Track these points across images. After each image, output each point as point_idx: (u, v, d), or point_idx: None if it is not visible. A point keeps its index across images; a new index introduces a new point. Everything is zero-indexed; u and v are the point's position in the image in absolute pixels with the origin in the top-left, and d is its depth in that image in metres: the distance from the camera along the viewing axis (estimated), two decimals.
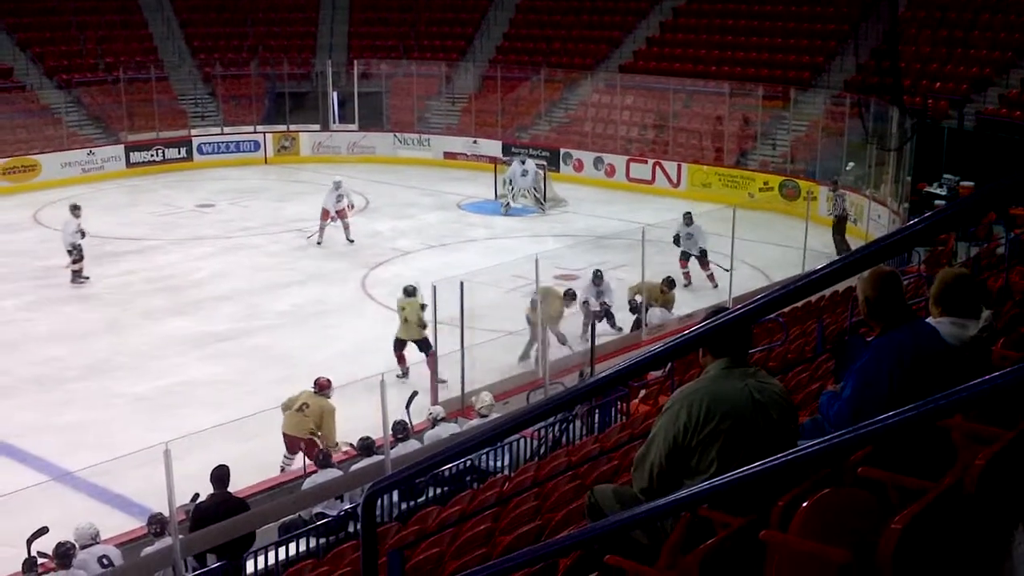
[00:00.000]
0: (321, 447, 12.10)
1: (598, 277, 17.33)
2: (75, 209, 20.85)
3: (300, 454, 12.72)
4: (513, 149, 31.26)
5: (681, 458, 3.87)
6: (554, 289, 16.72)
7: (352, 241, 23.50)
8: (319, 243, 23.43)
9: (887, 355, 4.13)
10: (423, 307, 15.50)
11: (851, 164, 26.47)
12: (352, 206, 24.21)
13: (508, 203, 26.68)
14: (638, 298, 17.33)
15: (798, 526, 2.95)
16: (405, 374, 15.57)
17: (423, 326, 15.50)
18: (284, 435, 12.87)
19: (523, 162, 27.13)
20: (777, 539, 3.03)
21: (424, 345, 15.52)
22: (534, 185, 26.77)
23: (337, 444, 12.61)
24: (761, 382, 3.98)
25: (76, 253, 20.46)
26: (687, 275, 20.14)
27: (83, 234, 20.59)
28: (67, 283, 20.40)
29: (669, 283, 17.72)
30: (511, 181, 26.80)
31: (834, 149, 27.34)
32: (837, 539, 2.88)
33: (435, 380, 14.71)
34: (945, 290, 4.79)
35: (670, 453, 3.88)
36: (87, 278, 20.58)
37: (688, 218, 20.32)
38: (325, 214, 23.54)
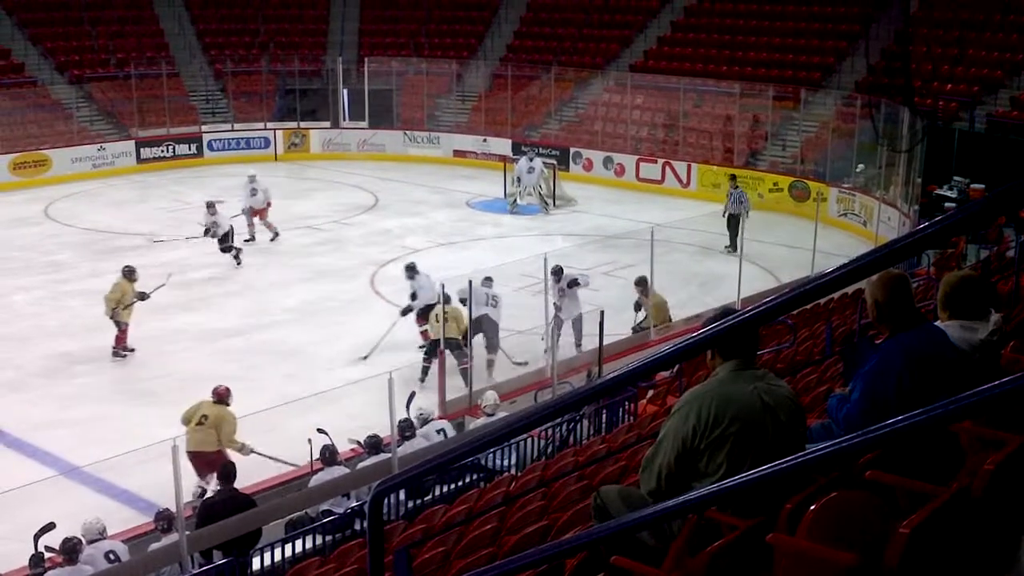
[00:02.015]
0: (227, 456, 11.71)
1: (557, 273, 16.39)
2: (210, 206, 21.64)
3: (213, 476, 11.57)
4: (523, 148, 31.23)
5: (690, 460, 3.87)
6: (458, 310, 15.60)
7: (277, 234, 23.54)
8: (252, 239, 23.20)
9: (896, 358, 4.12)
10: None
11: (861, 166, 26.43)
12: (270, 204, 23.70)
13: (515, 200, 26.70)
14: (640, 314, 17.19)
15: (806, 529, 2.95)
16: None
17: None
18: (190, 455, 11.72)
19: (531, 159, 27.13)
20: (784, 542, 3.02)
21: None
22: (539, 183, 26.77)
23: (242, 446, 12.26)
24: (770, 384, 3.98)
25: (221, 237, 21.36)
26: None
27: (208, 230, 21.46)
28: (75, 277, 20.52)
29: (641, 282, 17.09)
30: (519, 179, 26.83)
31: (844, 150, 27.30)
32: (845, 542, 2.88)
33: (442, 379, 14.64)
34: (951, 293, 4.78)
35: (679, 455, 3.88)
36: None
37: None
38: (249, 212, 23.38)
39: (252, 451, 12.33)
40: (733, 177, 22.88)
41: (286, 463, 12.35)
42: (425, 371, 15.35)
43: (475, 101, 35.34)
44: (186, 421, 12.39)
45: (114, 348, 16.57)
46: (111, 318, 16.58)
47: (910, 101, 22.38)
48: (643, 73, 32.93)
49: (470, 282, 15.28)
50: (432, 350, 15.37)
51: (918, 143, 22.42)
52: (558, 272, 16.30)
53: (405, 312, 16.78)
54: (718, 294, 18.67)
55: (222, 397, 12.55)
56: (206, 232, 21.64)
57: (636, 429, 9.75)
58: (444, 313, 15.15)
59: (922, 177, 22.59)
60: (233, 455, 11.93)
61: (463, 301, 15.53)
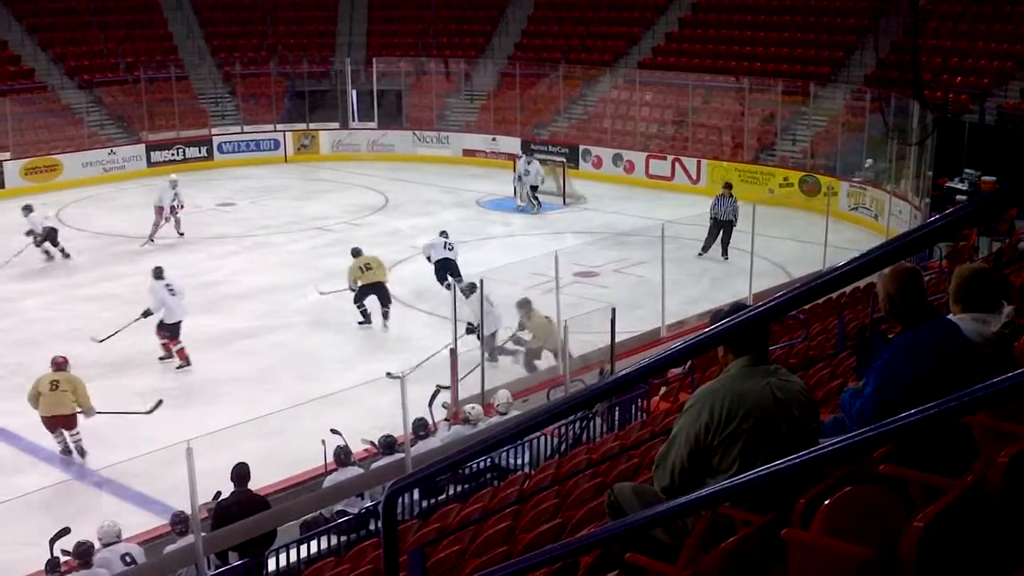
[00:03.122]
0: (85, 416, 13.38)
1: (465, 289, 15.92)
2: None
3: (66, 432, 13.47)
4: (532, 146, 31.23)
5: (703, 457, 3.87)
6: (379, 259, 18.42)
7: (183, 234, 24.08)
8: (152, 241, 23.45)
9: (909, 352, 4.11)
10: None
11: (870, 160, 26.37)
12: (182, 206, 24.20)
13: (532, 199, 26.83)
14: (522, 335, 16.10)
15: (819, 524, 2.94)
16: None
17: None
18: (45, 419, 13.35)
19: (528, 162, 27.23)
20: (799, 537, 3.02)
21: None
22: (533, 184, 26.88)
23: (91, 408, 13.48)
24: (783, 380, 3.97)
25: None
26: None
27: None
28: (87, 281, 20.63)
29: (523, 304, 15.92)
30: (520, 178, 27.05)
31: (854, 144, 27.23)
32: (859, 537, 2.87)
33: (456, 380, 14.67)
34: (964, 286, 4.76)
35: (692, 452, 3.88)
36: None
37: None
38: (159, 211, 23.73)
39: (96, 412, 13.51)
40: (728, 185, 22.46)
41: (133, 412, 13.64)
42: (366, 315, 17.97)
43: (484, 100, 35.35)
44: (35, 395, 13.38)
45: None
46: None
47: (920, 94, 22.31)
48: (652, 70, 32.90)
49: (481, 281, 15.29)
50: (361, 296, 18.00)
51: (928, 136, 22.36)
52: (468, 289, 15.86)
53: (146, 314, 16.70)
54: (729, 290, 18.62)
55: (61, 366, 13.65)
56: (28, 234, 22.16)
57: (649, 426, 9.75)
58: (367, 262, 18.03)
59: (933, 170, 22.53)
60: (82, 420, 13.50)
61: (464, 290, 15.79)
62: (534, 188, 26.83)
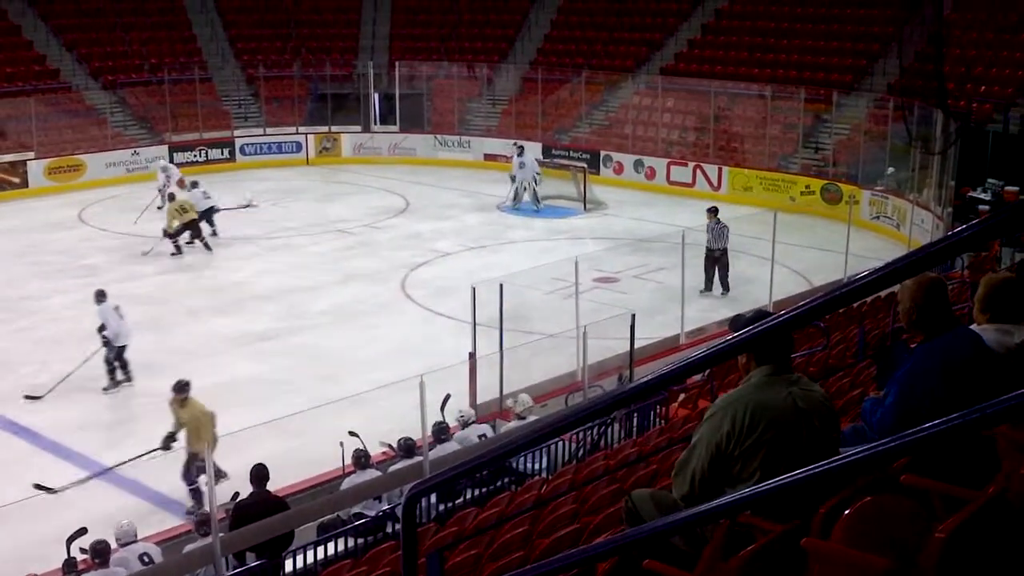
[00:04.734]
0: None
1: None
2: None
3: None
4: (552, 151, 31.25)
5: (723, 466, 3.86)
6: (190, 202, 22.81)
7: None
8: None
9: (931, 362, 4.09)
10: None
11: (891, 169, 26.27)
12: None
13: (536, 200, 27.15)
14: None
15: (840, 534, 2.94)
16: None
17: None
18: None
19: (519, 155, 27.54)
20: (819, 546, 3.01)
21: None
22: (534, 179, 27.12)
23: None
24: (804, 389, 3.96)
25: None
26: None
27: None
28: (110, 281, 20.69)
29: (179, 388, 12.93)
30: (513, 177, 27.43)
31: (877, 153, 27.13)
32: (879, 547, 2.86)
33: (474, 382, 14.69)
34: (992, 295, 4.71)
35: (713, 460, 3.87)
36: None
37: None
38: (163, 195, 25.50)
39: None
40: (714, 210, 19.92)
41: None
42: (179, 248, 22.38)
43: (505, 105, 35.37)
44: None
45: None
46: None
47: (943, 103, 22.22)
48: (674, 76, 32.84)
49: (500, 286, 15.31)
50: (177, 232, 22.32)
51: (951, 145, 22.25)
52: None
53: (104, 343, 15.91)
54: (750, 298, 18.58)
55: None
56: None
57: (667, 433, 9.73)
58: (182, 205, 22.40)
59: (955, 179, 22.43)
60: None
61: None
62: (530, 184, 27.10)
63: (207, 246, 22.97)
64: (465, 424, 12.35)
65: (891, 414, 4.11)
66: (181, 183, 25.43)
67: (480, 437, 12.10)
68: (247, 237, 24.43)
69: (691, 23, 34.53)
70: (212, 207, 23.84)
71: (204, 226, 23.27)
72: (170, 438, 12.74)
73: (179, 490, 12.38)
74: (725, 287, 19.66)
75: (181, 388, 12.77)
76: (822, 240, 22.37)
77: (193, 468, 12.41)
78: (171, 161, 31.59)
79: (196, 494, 12.19)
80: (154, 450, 12.69)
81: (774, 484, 3.04)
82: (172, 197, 23.82)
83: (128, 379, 15.79)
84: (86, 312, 18.94)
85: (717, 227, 19.58)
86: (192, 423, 12.60)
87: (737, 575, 3.21)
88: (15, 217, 26.33)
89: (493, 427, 13.10)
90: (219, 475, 11.35)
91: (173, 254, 22.39)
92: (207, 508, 10.33)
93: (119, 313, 15.88)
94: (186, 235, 22.82)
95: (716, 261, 19.61)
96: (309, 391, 14.73)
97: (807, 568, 3.03)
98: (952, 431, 2.50)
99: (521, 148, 28.14)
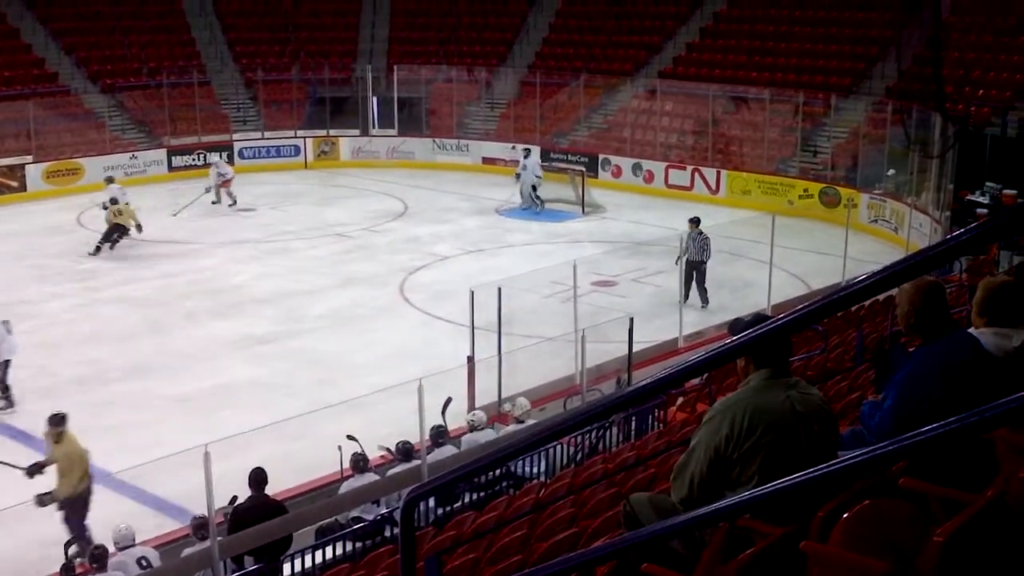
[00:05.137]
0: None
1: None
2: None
3: None
4: (551, 155, 31.25)
5: (722, 469, 3.85)
6: (131, 208, 23.38)
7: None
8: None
9: (930, 366, 4.09)
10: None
11: (891, 171, 26.28)
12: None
13: (540, 202, 27.26)
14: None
15: (839, 537, 2.94)
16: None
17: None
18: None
19: (526, 157, 27.69)
20: (817, 550, 3.01)
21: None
22: (534, 180, 27.20)
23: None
24: (802, 393, 3.96)
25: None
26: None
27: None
28: (109, 284, 20.76)
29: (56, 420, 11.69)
30: (518, 175, 27.62)
31: (875, 156, 27.15)
32: (878, 550, 2.86)
33: (472, 386, 14.69)
34: (990, 298, 4.71)
35: (711, 464, 3.86)
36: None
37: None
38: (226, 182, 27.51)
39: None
40: (696, 220, 19.26)
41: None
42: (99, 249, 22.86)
43: (504, 108, 35.39)
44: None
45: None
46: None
47: (941, 106, 22.23)
48: (672, 80, 32.87)
49: (499, 289, 15.30)
50: (110, 235, 23.05)
51: (950, 148, 22.26)
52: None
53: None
54: (748, 301, 18.57)
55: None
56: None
57: (666, 436, 9.73)
58: (120, 209, 22.98)
59: (954, 183, 22.45)
60: None
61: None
62: (535, 188, 27.10)
63: (110, 248, 23.38)
64: (473, 428, 12.32)
65: (889, 418, 4.11)
66: (227, 183, 27.41)
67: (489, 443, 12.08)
68: (245, 241, 24.42)
69: (689, 27, 34.55)
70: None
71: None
72: (37, 468, 11.39)
73: (178, 494, 12.34)
74: (704, 300, 19.14)
75: (58, 421, 11.41)
76: (820, 244, 22.39)
77: (72, 514, 11.13)
78: (169, 166, 31.71)
79: (82, 542, 10.74)
80: (20, 468, 11.40)
81: (773, 488, 3.04)
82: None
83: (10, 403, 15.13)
84: (85, 316, 19.01)
85: (699, 238, 19.02)
86: (63, 461, 11.27)
87: None
88: (13, 221, 26.33)
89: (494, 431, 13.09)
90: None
91: (91, 253, 22.95)
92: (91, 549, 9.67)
93: (7, 328, 15.25)
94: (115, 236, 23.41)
95: (694, 272, 19.06)
96: (307, 395, 14.73)
97: (806, 571, 3.03)
98: (950, 434, 2.50)
99: (527, 151, 28.15)
